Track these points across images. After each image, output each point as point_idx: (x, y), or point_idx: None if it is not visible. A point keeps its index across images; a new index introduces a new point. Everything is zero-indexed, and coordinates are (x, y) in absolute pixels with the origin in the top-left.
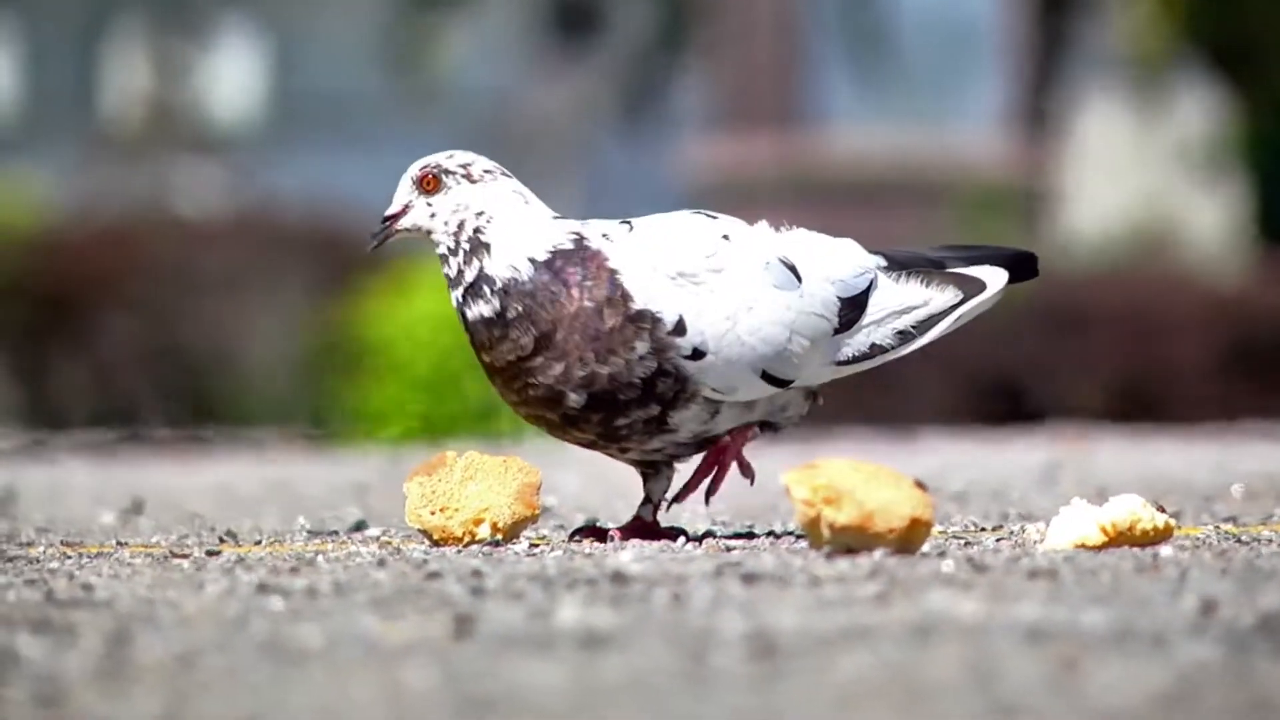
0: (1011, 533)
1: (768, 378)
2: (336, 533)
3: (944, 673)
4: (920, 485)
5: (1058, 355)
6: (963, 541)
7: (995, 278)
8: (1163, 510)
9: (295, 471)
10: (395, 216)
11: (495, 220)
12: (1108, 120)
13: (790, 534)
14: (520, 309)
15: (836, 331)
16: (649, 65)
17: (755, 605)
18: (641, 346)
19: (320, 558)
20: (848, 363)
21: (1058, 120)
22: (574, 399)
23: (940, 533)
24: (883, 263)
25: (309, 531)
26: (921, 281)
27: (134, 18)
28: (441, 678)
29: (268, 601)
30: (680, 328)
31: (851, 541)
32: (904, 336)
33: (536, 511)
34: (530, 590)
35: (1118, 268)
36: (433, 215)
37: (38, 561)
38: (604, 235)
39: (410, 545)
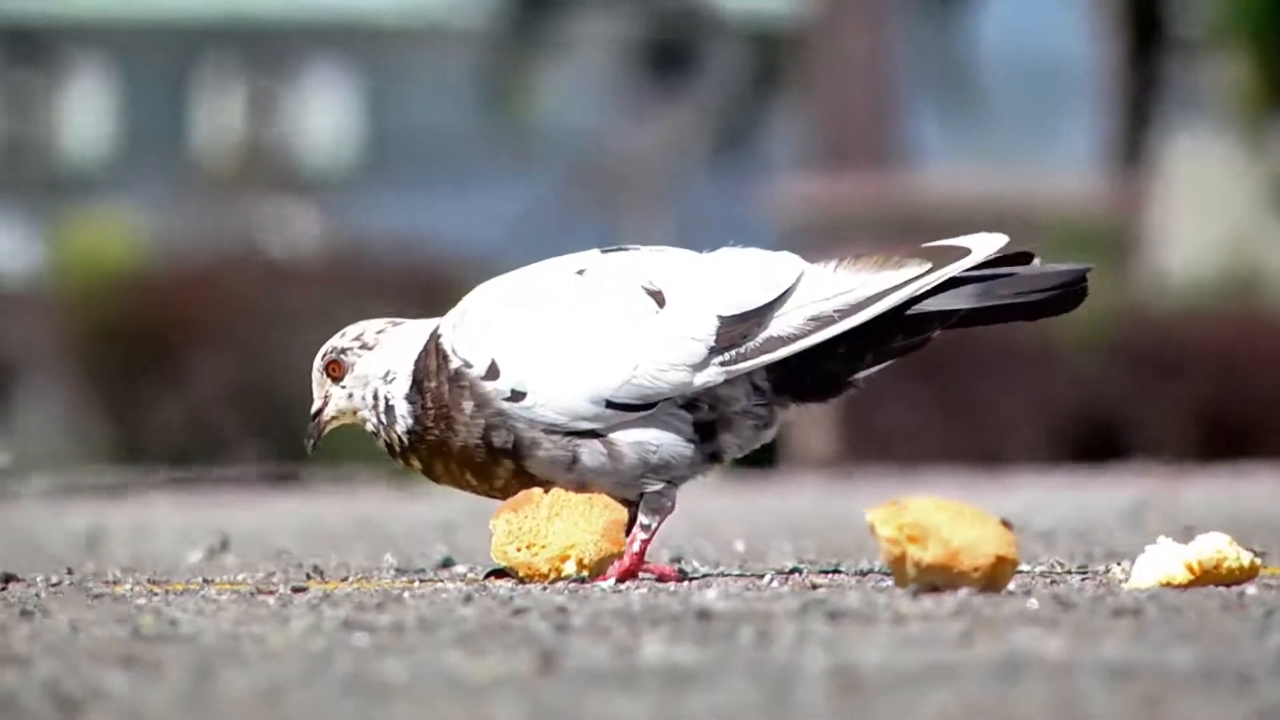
0: (1097, 571)
1: (615, 405)
2: (423, 569)
3: (1028, 711)
4: (1006, 524)
5: (1146, 393)
6: (1048, 580)
7: (986, 244)
8: (1250, 549)
9: (383, 509)
10: (319, 412)
11: (395, 372)
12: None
13: (876, 572)
14: (423, 447)
15: (715, 348)
16: (741, 105)
17: (840, 643)
18: (468, 405)
19: (406, 594)
20: (739, 360)
21: (1149, 159)
22: (471, 478)
23: (1026, 571)
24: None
25: (396, 568)
26: (878, 265)
27: (226, 58)
28: (526, 714)
29: (353, 637)
30: (494, 371)
31: (937, 580)
32: (821, 321)
33: (622, 548)
34: (615, 627)
35: (1207, 307)
36: (349, 397)
37: (124, 599)
38: (469, 301)
39: (496, 582)
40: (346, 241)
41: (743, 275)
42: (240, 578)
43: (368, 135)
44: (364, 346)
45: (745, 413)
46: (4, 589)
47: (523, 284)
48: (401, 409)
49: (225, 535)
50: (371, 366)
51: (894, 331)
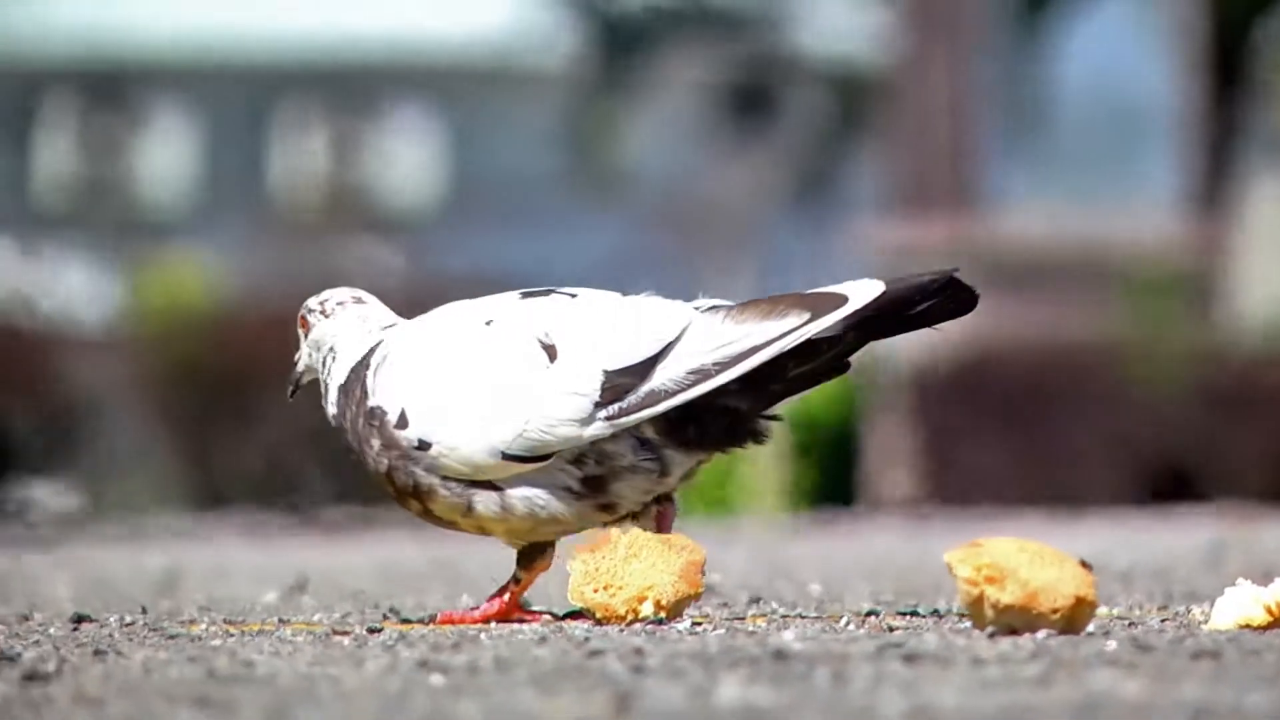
0: (1176, 613)
1: (511, 457)
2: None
3: None
4: (1085, 565)
5: (1224, 435)
6: (1127, 622)
7: (864, 291)
8: None
9: (460, 549)
10: (296, 362)
11: (336, 352)
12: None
13: (954, 613)
14: (345, 439)
15: (600, 403)
16: (823, 148)
17: (917, 685)
18: (376, 442)
19: (483, 634)
20: (621, 415)
21: (1230, 202)
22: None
23: (1104, 613)
24: (720, 306)
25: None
26: (764, 314)
27: (308, 100)
28: None
29: (428, 678)
30: (403, 420)
31: (1015, 621)
32: (701, 374)
33: (700, 589)
34: (691, 668)
35: None
36: (310, 355)
37: (199, 639)
38: (397, 336)
39: (573, 623)
40: (428, 282)
41: (629, 328)
42: (316, 618)
43: (451, 176)
44: (324, 313)
45: (633, 467)
46: (76, 629)
47: (439, 331)
48: (332, 396)
49: (302, 576)
50: (323, 335)
51: (780, 374)
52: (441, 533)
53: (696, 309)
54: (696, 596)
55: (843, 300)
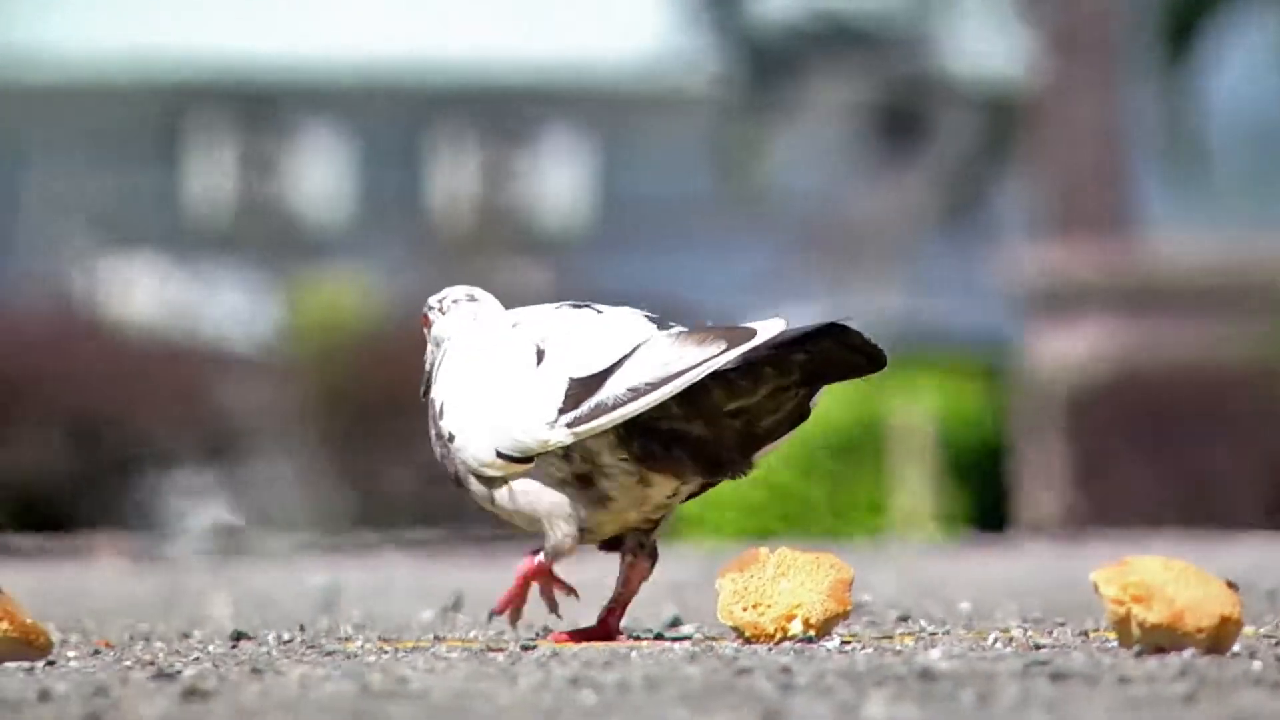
0: None
1: (503, 456)
2: (651, 629)
3: None
4: (1231, 584)
5: None
6: (1273, 641)
7: (769, 328)
8: None
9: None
10: (426, 361)
11: (446, 349)
12: None
13: (1100, 632)
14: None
15: (562, 409)
16: (972, 170)
17: (1063, 704)
18: (433, 431)
19: (634, 653)
20: (576, 423)
21: None
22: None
23: (1250, 632)
24: (679, 329)
25: (624, 627)
26: (699, 341)
27: (462, 121)
28: None
29: (580, 695)
30: (442, 412)
31: (1161, 640)
32: (636, 391)
33: (848, 608)
34: (839, 686)
35: None
36: (431, 352)
37: (355, 656)
38: (468, 333)
39: (723, 642)
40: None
41: (596, 338)
42: (471, 635)
43: (600, 198)
44: (440, 311)
45: (613, 466)
46: (235, 647)
47: (482, 331)
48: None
49: (459, 594)
50: (440, 332)
51: (709, 401)
52: (595, 552)
53: (669, 331)
54: (845, 615)
55: (752, 334)
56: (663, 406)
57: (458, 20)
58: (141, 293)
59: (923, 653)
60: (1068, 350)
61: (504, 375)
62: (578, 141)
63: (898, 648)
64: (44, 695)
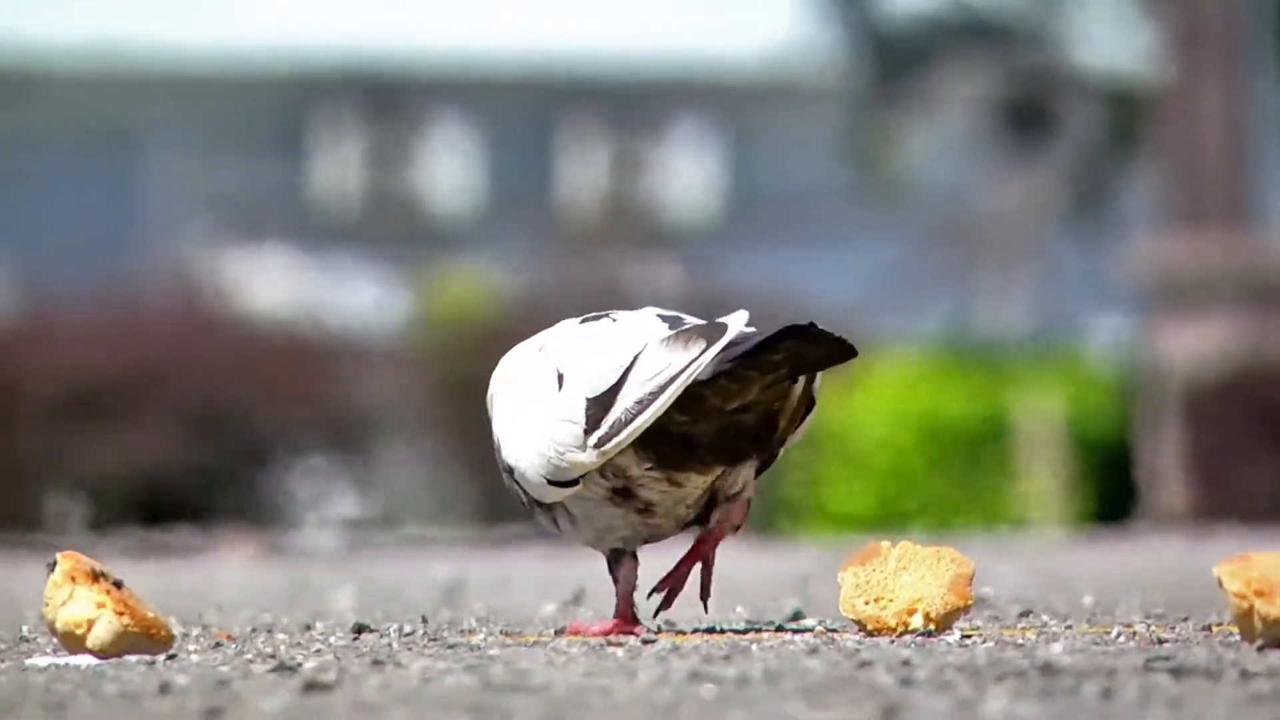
0: None
1: (553, 483)
2: (773, 622)
3: None
4: None
5: None
6: None
7: (736, 321)
8: None
9: (739, 561)
10: None
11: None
12: None
13: (1223, 627)
14: None
15: (587, 430)
16: (1099, 164)
17: (1185, 700)
18: (500, 466)
19: (754, 646)
20: (601, 444)
21: None
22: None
23: None
24: (670, 330)
25: (746, 621)
26: (685, 342)
27: (591, 113)
28: None
29: (699, 689)
30: (500, 446)
31: None
32: (642, 404)
33: (969, 602)
34: (959, 681)
35: None
36: None
37: (477, 649)
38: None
39: (844, 635)
40: (708, 297)
41: (602, 354)
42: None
43: (729, 191)
44: None
45: (643, 477)
46: (357, 639)
47: (514, 358)
48: None
49: (581, 587)
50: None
51: (701, 401)
52: (723, 546)
53: (663, 335)
54: (966, 609)
55: (724, 330)
56: (668, 414)
57: (588, 11)
58: (268, 285)
59: (1044, 647)
60: (1192, 344)
61: (536, 403)
62: (707, 134)
63: (1019, 642)
64: (164, 688)
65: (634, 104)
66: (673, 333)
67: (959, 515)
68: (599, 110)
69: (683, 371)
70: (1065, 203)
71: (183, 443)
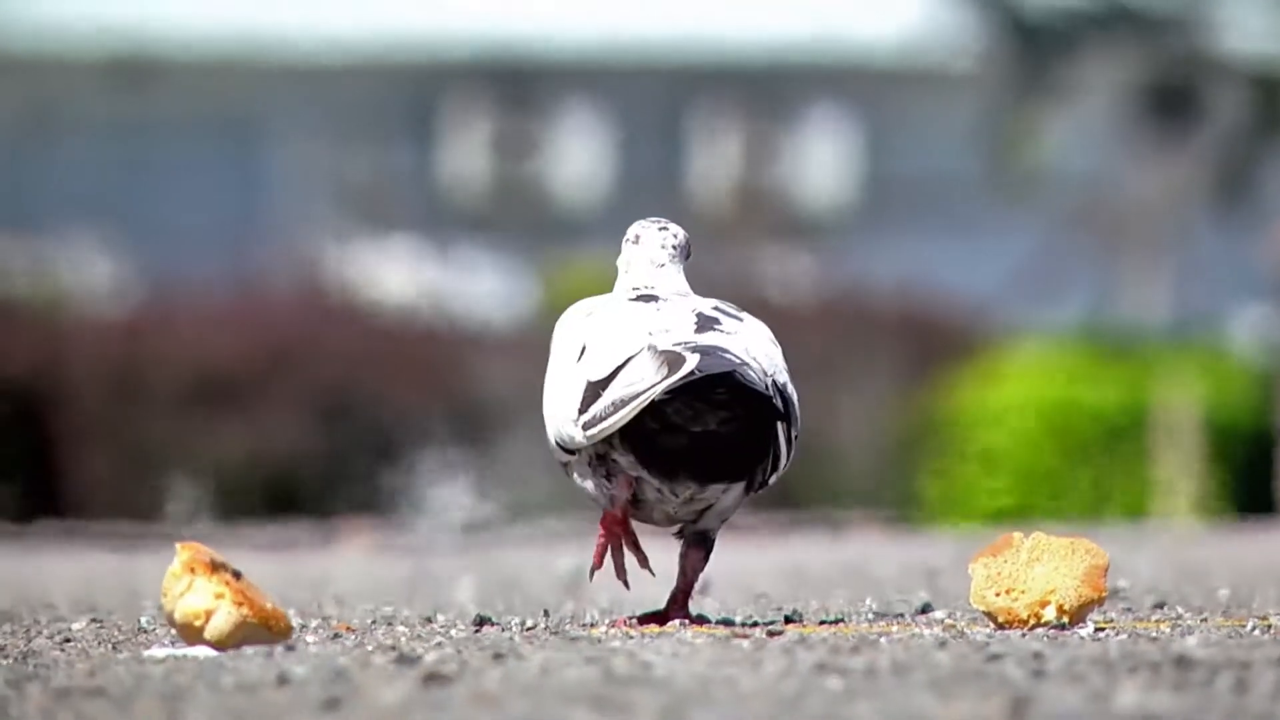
0: None
1: (560, 446)
2: (902, 614)
3: None
4: None
5: None
6: None
7: (689, 363)
8: None
9: (869, 553)
10: None
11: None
12: None
13: None
14: None
15: (580, 409)
16: (1244, 150)
17: None
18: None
19: (883, 639)
20: (587, 427)
21: None
22: None
23: None
24: (656, 342)
25: (875, 613)
26: (660, 363)
27: (721, 100)
28: None
29: (826, 681)
30: (544, 396)
31: None
32: (616, 405)
33: (1103, 594)
34: (1091, 674)
35: None
36: None
37: (600, 641)
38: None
39: (974, 628)
40: (844, 286)
41: (608, 342)
42: (717, 620)
43: (864, 178)
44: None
45: (625, 465)
46: (478, 631)
47: (571, 315)
48: None
49: (706, 579)
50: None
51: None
52: (852, 536)
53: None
54: (1099, 601)
55: (680, 366)
56: (639, 418)
57: None
58: (395, 273)
59: (1178, 640)
60: None
61: (561, 370)
62: (840, 121)
63: (1153, 634)
64: (282, 679)
65: (767, 90)
66: (660, 349)
67: (1095, 507)
68: (731, 97)
69: (646, 391)
70: (1209, 190)
71: (307, 432)
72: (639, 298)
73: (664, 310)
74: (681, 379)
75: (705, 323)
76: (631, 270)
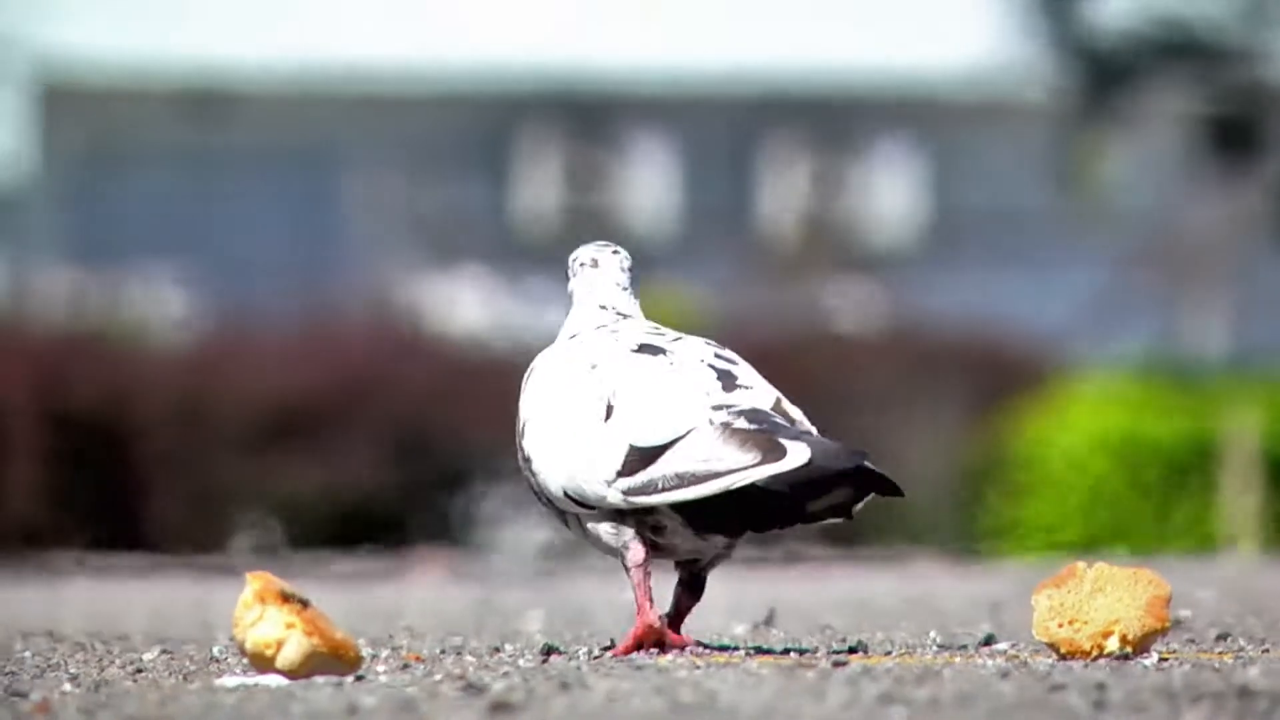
0: None
1: (569, 497)
2: (966, 646)
3: None
4: None
5: None
6: None
7: (797, 454)
8: None
9: (935, 585)
10: None
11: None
12: None
13: None
14: None
15: (620, 473)
16: None
17: None
18: (518, 444)
19: (946, 669)
20: (632, 493)
21: None
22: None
23: None
24: (726, 419)
25: (939, 644)
26: (741, 443)
27: (791, 132)
28: None
29: (889, 711)
30: (523, 431)
31: None
32: (682, 479)
33: (1166, 625)
34: (1154, 704)
35: None
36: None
37: (666, 670)
38: (553, 350)
39: (1037, 659)
40: (911, 319)
41: (658, 406)
42: (783, 650)
43: (932, 211)
44: (571, 273)
45: (670, 519)
46: (545, 661)
47: (565, 357)
48: None
49: (772, 609)
50: (570, 288)
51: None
52: (917, 569)
53: (717, 422)
54: (1163, 631)
55: (781, 453)
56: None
57: (788, 29)
58: (466, 305)
59: (1241, 670)
60: None
61: (575, 423)
62: (908, 153)
63: (1216, 665)
64: (351, 709)
65: (835, 122)
66: (734, 428)
67: (1159, 538)
68: (799, 129)
69: (730, 473)
70: (1271, 221)
71: (378, 465)
72: (645, 348)
73: (683, 362)
74: (796, 469)
75: (724, 375)
76: (596, 293)
